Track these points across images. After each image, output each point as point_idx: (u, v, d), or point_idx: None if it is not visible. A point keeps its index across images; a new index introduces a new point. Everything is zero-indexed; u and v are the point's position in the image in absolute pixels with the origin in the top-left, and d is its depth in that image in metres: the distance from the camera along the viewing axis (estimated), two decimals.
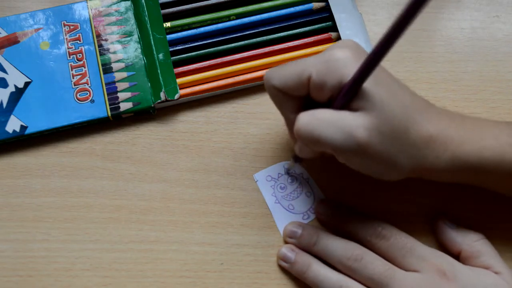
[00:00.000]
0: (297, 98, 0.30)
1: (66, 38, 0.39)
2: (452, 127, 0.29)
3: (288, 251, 0.33)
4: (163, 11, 0.40)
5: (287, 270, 0.34)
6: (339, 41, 0.30)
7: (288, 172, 0.37)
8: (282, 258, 0.34)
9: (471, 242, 0.32)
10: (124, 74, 0.38)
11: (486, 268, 0.31)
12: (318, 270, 0.32)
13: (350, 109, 0.28)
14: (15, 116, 0.37)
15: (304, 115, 0.28)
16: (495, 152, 0.29)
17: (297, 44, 0.40)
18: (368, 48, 0.39)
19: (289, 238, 0.34)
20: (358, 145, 0.27)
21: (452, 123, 0.30)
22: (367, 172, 0.29)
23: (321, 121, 0.27)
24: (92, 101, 0.37)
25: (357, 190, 0.36)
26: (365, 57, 0.28)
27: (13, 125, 0.37)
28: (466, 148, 0.29)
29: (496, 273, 0.30)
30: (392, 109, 0.27)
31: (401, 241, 0.31)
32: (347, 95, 0.27)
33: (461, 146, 0.29)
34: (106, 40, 0.39)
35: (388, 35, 0.23)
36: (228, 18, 0.40)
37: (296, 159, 0.35)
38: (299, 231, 0.34)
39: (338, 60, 0.28)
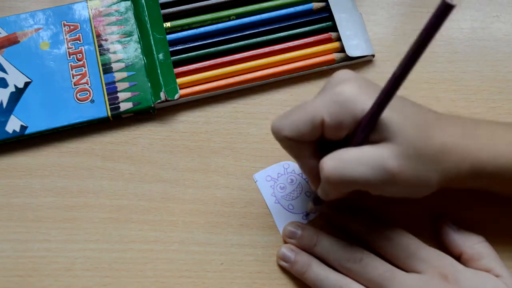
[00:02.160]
0: (311, 143, 0.30)
1: (66, 38, 0.39)
2: (467, 136, 0.29)
3: (288, 251, 0.33)
4: (163, 11, 0.40)
5: (287, 270, 0.34)
6: (337, 74, 0.29)
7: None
8: (282, 258, 0.34)
9: (472, 244, 0.32)
10: (124, 74, 0.38)
11: (487, 271, 0.31)
12: (318, 271, 0.32)
13: (370, 142, 0.28)
14: (15, 116, 0.37)
15: (328, 160, 0.28)
16: (509, 158, 0.29)
17: (297, 44, 0.40)
18: (369, 48, 0.39)
19: (289, 238, 0.34)
20: (391, 176, 0.27)
21: (465, 131, 0.30)
22: (400, 196, 0.29)
23: (348, 162, 0.27)
24: (92, 101, 0.37)
25: (358, 190, 0.36)
26: (368, 84, 0.29)
27: (13, 125, 0.37)
28: (483, 157, 0.29)
29: (497, 276, 0.30)
30: (409, 131, 0.27)
31: (405, 242, 0.31)
32: (366, 130, 0.27)
33: (478, 155, 0.29)
34: (106, 40, 0.39)
35: (403, 66, 0.24)
36: (228, 18, 0.40)
37: (316, 201, 0.34)
38: (299, 231, 0.34)
39: (347, 98, 0.28)
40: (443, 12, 0.20)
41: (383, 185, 0.28)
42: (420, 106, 0.30)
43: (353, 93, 0.28)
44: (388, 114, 0.27)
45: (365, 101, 0.27)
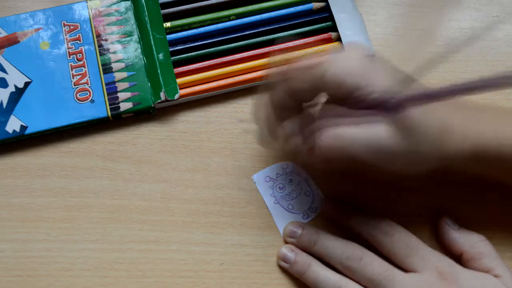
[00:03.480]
0: (297, 109, 0.30)
1: (66, 38, 0.39)
2: (470, 117, 0.29)
3: (288, 251, 0.33)
4: (163, 11, 0.40)
5: (287, 270, 0.34)
6: (352, 44, 0.29)
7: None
8: (282, 258, 0.34)
9: (473, 243, 0.32)
10: (124, 74, 0.38)
11: (488, 270, 0.31)
12: (318, 271, 0.32)
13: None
14: (15, 116, 0.37)
15: (327, 134, 0.28)
16: None
17: (297, 44, 0.40)
18: (369, 48, 0.39)
19: (289, 238, 0.34)
20: (390, 154, 0.27)
21: (469, 112, 0.30)
22: (395, 171, 0.29)
23: (347, 139, 0.28)
24: (92, 101, 0.37)
25: (358, 190, 0.36)
26: (381, 66, 0.28)
27: (13, 125, 0.37)
28: (485, 139, 0.29)
29: (497, 276, 0.30)
30: (410, 109, 0.27)
31: (405, 240, 0.31)
32: (376, 112, 0.27)
33: (480, 137, 0.29)
34: (106, 40, 0.39)
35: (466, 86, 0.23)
36: (228, 18, 0.40)
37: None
38: (299, 231, 0.34)
39: (353, 68, 0.27)
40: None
41: (379, 163, 0.28)
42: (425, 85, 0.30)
43: (358, 67, 0.27)
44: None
45: (370, 80, 0.27)
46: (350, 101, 0.28)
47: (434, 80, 0.39)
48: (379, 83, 0.27)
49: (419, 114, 0.27)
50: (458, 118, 0.29)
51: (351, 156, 0.28)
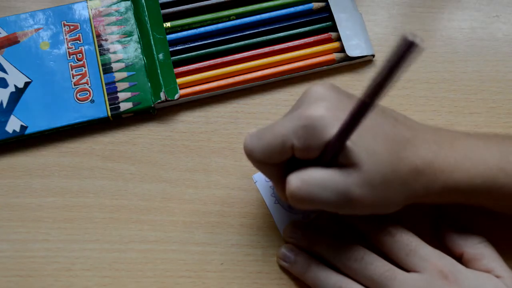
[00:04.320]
0: (282, 163, 0.30)
1: (66, 38, 0.39)
2: (441, 156, 0.29)
3: (288, 251, 0.33)
4: (163, 11, 0.40)
5: (287, 270, 0.34)
6: (310, 92, 0.29)
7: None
8: (282, 257, 0.34)
9: (473, 244, 0.32)
10: (124, 74, 0.38)
11: (488, 271, 0.31)
12: (318, 271, 0.32)
13: (338, 164, 0.28)
14: (15, 116, 0.37)
15: (294, 179, 0.28)
16: (485, 179, 0.29)
17: (297, 44, 0.40)
18: (369, 48, 0.39)
19: (290, 237, 0.34)
20: (353, 202, 0.28)
21: (440, 150, 0.29)
22: (365, 212, 0.30)
23: (312, 185, 0.27)
24: (92, 101, 0.37)
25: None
26: (341, 103, 0.28)
27: (13, 125, 0.37)
28: (456, 177, 0.29)
29: (497, 276, 0.30)
30: (379, 155, 0.27)
31: (406, 239, 0.31)
32: (331, 153, 0.27)
33: (451, 175, 0.29)
34: (106, 40, 0.39)
35: (370, 93, 0.22)
36: (228, 18, 0.40)
37: (290, 209, 0.36)
38: (300, 231, 0.34)
39: (316, 122, 0.27)
40: (406, 51, 0.19)
41: (344, 209, 0.28)
42: (395, 121, 0.30)
43: (322, 116, 0.27)
44: (358, 137, 0.27)
45: (334, 125, 0.27)
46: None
47: (434, 80, 0.39)
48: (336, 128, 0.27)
49: (386, 162, 0.27)
50: (428, 158, 0.29)
51: (316, 200, 0.28)
